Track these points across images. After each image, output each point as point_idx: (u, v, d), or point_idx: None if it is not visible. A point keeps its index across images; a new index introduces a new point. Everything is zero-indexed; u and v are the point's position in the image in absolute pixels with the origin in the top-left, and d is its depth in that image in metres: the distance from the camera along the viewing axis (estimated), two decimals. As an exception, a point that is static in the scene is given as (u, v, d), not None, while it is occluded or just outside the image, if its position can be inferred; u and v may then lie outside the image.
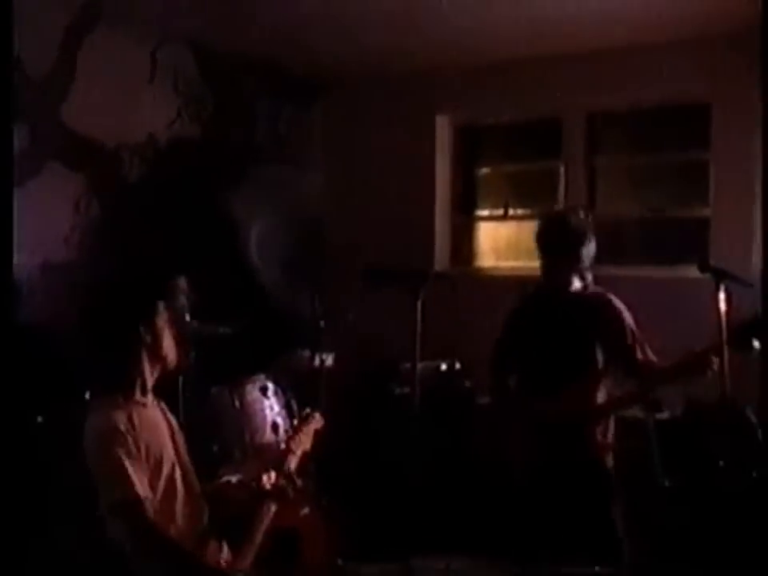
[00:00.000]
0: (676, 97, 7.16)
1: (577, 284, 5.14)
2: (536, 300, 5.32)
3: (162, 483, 3.63)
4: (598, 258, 7.16)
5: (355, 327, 6.02)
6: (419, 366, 4.60)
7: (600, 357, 5.06)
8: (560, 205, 7.78)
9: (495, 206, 8.32)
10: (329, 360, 6.00)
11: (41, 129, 6.44)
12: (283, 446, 4.28)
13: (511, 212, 8.18)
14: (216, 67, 7.74)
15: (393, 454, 5.34)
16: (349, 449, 7.07)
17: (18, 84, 6.25)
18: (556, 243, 5.10)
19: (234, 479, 5.28)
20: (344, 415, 7.13)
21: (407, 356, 4.66)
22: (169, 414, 3.89)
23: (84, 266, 6.55)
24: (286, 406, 5.76)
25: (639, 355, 5.02)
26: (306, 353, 5.92)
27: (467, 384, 7.06)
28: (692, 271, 4.89)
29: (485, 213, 8.41)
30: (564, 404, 4.97)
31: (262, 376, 5.74)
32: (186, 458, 3.85)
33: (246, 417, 5.50)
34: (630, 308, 5.11)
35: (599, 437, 5.05)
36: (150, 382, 3.74)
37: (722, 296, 4.54)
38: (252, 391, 5.62)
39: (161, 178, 7.25)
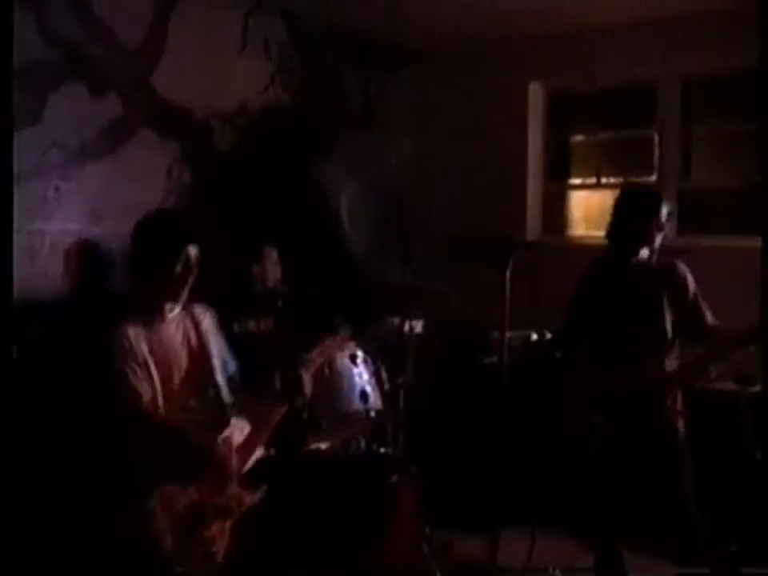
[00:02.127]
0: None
1: (644, 252, 5.18)
2: (604, 269, 5.36)
3: (172, 386, 4.30)
4: (691, 228, 7.12)
5: (445, 296, 5.97)
6: (509, 335, 4.59)
7: (669, 323, 5.12)
8: (654, 173, 7.68)
9: (588, 174, 8.23)
10: (418, 328, 5.98)
11: (132, 97, 6.49)
12: None
13: (604, 180, 8.08)
14: (306, 35, 7.73)
15: (480, 423, 5.33)
16: (437, 417, 7.08)
17: (108, 53, 6.33)
18: (628, 215, 5.20)
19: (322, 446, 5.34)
20: (432, 383, 7.15)
21: (497, 325, 4.64)
22: (196, 329, 4.52)
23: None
24: (375, 374, 5.74)
25: (708, 319, 5.09)
26: (395, 320, 5.89)
27: (557, 354, 6.99)
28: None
29: (577, 181, 8.32)
30: (639, 373, 5.02)
31: (352, 344, 5.71)
32: (202, 366, 4.45)
33: (335, 385, 5.48)
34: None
35: (670, 403, 5.08)
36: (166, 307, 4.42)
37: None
38: (341, 359, 5.60)
39: (251, 146, 7.27)
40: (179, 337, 4.49)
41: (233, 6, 7.10)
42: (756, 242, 6.68)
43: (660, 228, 5.17)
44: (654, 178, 7.71)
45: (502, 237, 4.63)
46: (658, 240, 5.18)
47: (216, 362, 4.53)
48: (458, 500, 6.16)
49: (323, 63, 7.96)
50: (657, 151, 7.75)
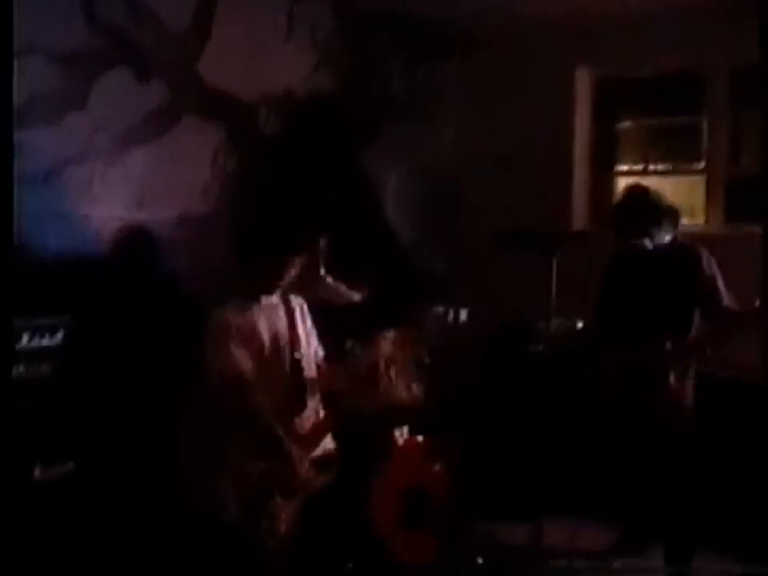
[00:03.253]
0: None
1: (666, 238, 5.43)
2: (630, 253, 5.57)
3: (267, 363, 4.59)
4: (741, 215, 7.06)
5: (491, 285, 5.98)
6: (555, 323, 4.60)
7: (685, 305, 5.37)
8: (702, 160, 7.61)
9: (635, 162, 8.16)
10: (463, 316, 5.94)
11: (178, 82, 6.49)
12: None
13: (651, 167, 8.02)
14: (353, 21, 7.70)
15: (526, 411, 5.32)
16: (482, 406, 7.06)
17: (154, 38, 6.33)
18: (633, 219, 5.45)
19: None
20: (478, 372, 7.13)
21: (543, 314, 4.63)
22: (289, 317, 4.78)
23: (222, 218, 6.61)
24: (420, 362, 5.74)
25: (724, 301, 5.31)
26: (441, 309, 5.87)
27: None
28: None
29: (624, 168, 8.25)
30: (650, 348, 5.23)
31: (396, 331, 5.71)
32: (301, 346, 4.77)
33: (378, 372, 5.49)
34: None
35: (674, 381, 5.25)
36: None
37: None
38: (385, 346, 5.60)
39: (297, 133, 7.26)
40: (274, 322, 4.73)
41: (280, -8, 7.10)
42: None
43: (656, 222, 5.39)
44: (702, 164, 7.64)
45: (548, 229, 4.64)
46: (664, 229, 5.41)
47: (305, 350, 4.81)
48: (503, 489, 6.14)
49: (370, 50, 7.93)
50: (705, 138, 7.67)
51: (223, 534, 4.39)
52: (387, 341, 5.50)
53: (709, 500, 5.56)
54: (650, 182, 7.80)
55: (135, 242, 6.06)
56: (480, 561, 5.37)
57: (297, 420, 4.62)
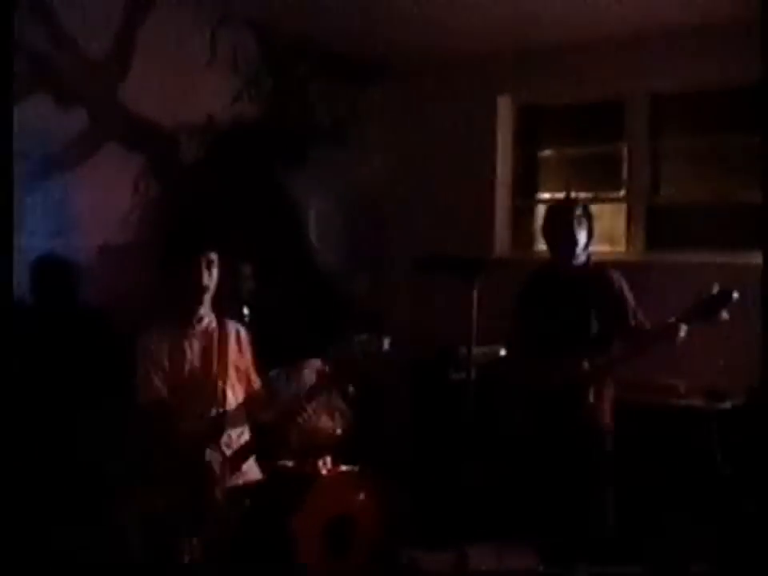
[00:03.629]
0: (740, 78, 7.01)
1: (580, 259, 5.57)
2: (543, 275, 5.75)
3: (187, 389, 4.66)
4: (661, 243, 7.16)
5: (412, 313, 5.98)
6: (478, 350, 4.61)
7: (597, 325, 5.46)
8: (623, 188, 7.69)
9: (557, 189, 8.21)
10: (386, 344, 5.94)
11: (99, 110, 6.44)
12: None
13: (573, 195, 8.07)
14: (276, 48, 7.70)
15: (449, 438, 5.32)
16: (405, 434, 7.06)
17: (74, 65, 6.28)
18: (560, 229, 5.57)
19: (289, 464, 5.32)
20: (401, 400, 7.12)
21: (465, 341, 4.64)
22: (220, 343, 4.83)
23: (142, 247, 6.56)
24: (345, 392, 5.73)
25: (632, 321, 5.47)
26: (363, 337, 5.86)
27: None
28: (756, 257, 4.80)
29: (546, 196, 8.31)
30: (563, 367, 5.32)
31: (319, 360, 5.70)
32: (227, 374, 4.80)
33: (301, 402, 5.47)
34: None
35: (592, 399, 5.33)
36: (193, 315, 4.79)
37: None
38: (309, 375, 5.59)
39: (220, 160, 7.23)
40: (200, 348, 4.81)
41: (201, 19, 7.06)
42: (727, 257, 6.73)
43: (570, 237, 5.51)
44: (622, 193, 7.72)
45: (469, 255, 4.65)
46: (580, 246, 5.53)
47: (231, 377, 4.86)
48: (427, 516, 6.13)
49: (293, 76, 7.92)
50: (625, 166, 7.75)
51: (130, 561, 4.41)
52: (311, 369, 5.51)
53: (627, 518, 5.61)
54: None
55: (55, 270, 5.98)
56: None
57: (217, 447, 4.64)
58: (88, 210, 6.26)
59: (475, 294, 4.43)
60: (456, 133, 8.05)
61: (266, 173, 7.53)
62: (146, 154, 6.76)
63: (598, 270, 5.61)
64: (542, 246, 8.08)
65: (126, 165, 6.64)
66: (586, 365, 5.32)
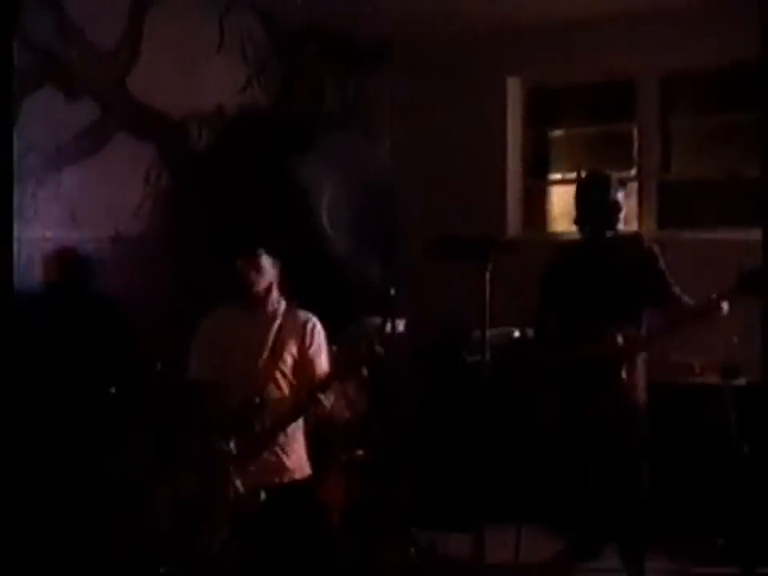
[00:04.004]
0: (751, 56, 6.99)
1: (611, 233, 5.46)
2: (568, 252, 5.70)
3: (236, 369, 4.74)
4: (673, 221, 7.13)
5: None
6: (491, 332, 4.58)
7: (633, 296, 5.34)
8: (634, 167, 7.67)
9: (568, 169, 8.21)
10: (400, 327, 5.95)
11: (109, 100, 6.45)
12: None
13: (584, 175, 8.06)
14: (283, 35, 7.70)
15: (464, 421, 5.33)
16: (420, 416, 7.06)
17: (83, 56, 6.29)
18: (594, 197, 5.47)
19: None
20: (416, 382, 7.12)
21: (478, 323, 4.62)
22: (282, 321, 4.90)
23: (155, 237, 6.57)
24: (358, 374, 5.73)
25: (668, 293, 5.32)
26: (377, 320, 5.86)
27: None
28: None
29: (557, 176, 8.30)
30: (596, 343, 5.21)
31: (333, 345, 5.71)
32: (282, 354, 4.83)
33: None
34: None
35: (625, 375, 5.23)
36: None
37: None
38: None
39: (230, 148, 7.23)
40: (260, 333, 4.88)
41: (208, 7, 7.06)
42: (738, 234, 6.70)
43: (615, 207, 5.44)
44: (633, 171, 7.70)
45: (482, 236, 4.61)
46: (618, 218, 5.47)
47: (288, 365, 4.87)
48: (444, 499, 6.14)
49: (301, 62, 7.92)
50: (636, 145, 7.73)
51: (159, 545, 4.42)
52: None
53: (661, 499, 5.58)
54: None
55: (70, 261, 6.00)
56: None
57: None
58: (100, 201, 6.27)
59: (488, 276, 4.42)
60: (466, 115, 8.03)
61: (277, 160, 7.52)
62: (157, 143, 6.77)
63: (630, 240, 5.56)
64: (555, 227, 8.18)
65: (136, 155, 6.66)
66: (619, 340, 5.22)
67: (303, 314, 5.00)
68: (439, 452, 6.70)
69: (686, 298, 5.29)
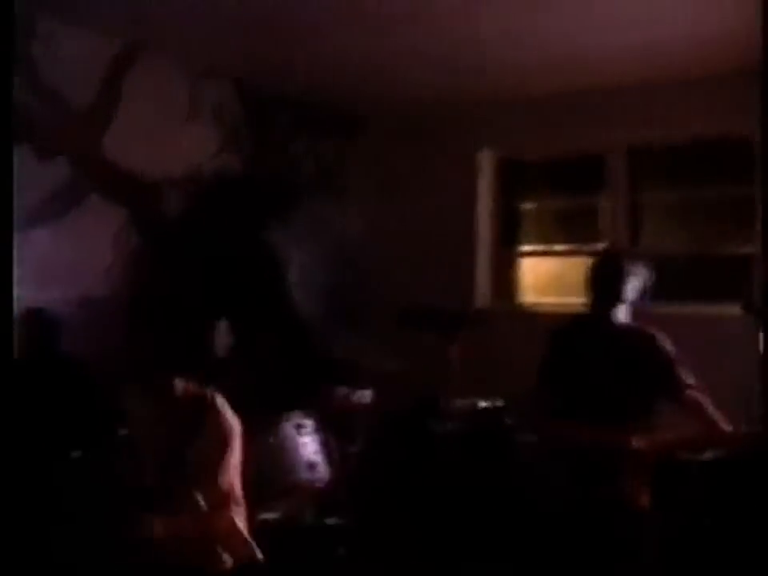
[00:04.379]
0: (719, 132, 7.09)
1: (620, 317, 5.14)
2: (580, 328, 5.30)
3: None
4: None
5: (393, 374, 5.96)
6: (459, 403, 4.58)
7: (638, 388, 5.00)
8: (603, 240, 7.72)
9: (537, 241, 8.26)
10: (366, 397, 5.95)
11: (82, 161, 6.46)
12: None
13: (554, 247, 8.12)
14: (258, 101, 7.75)
15: (431, 490, 5.31)
16: (387, 485, 7.03)
17: (57, 116, 6.30)
18: (608, 278, 5.15)
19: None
20: (382, 452, 7.10)
21: (446, 394, 4.63)
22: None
23: (123, 300, 6.55)
24: (325, 444, 5.71)
25: (681, 392, 4.94)
26: (344, 390, 5.86)
27: (508, 421, 6.97)
28: (735, 309, 4.81)
29: (527, 248, 8.35)
30: (600, 436, 4.88)
31: (299, 413, 5.70)
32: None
33: (279, 455, 5.46)
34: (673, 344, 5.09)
35: (632, 479, 4.90)
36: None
37: (761, 336, 4.44)
38: (287, 429, 5.58)
39: (202, 213, 7.24)
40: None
41: (184, 72, 7.10)
42: (708, 309, 6.76)
43: (617, 289, 5.11)
44: (602, 245, 7.75)
45: (451, 308, 4.62)
46: (625, 301, 5.14)
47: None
48: (411, 568, 6.10)
49: (275, 129, 7.96)
50: (606, 218, 7.79)
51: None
52: (291, 423, 5.49)
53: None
54: (551, 262, 7.95)
55: (37, 321, 5.98)
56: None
57: None
58: (69, 262, 6.26)
59: (455, 348, 4.42)
60: (438, 185, 8.10)
61: (248, 225, 7.55)
62: (128, 206, 6.78)
63: (642, 330, 5.16)
64: (524, 298, 8.21)
65: (108, 217, 6.65)
66: (634, 442, 4.85)
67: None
68: (406, 520, 6.68)
69: (703, 398, 4.93)
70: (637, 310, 5.19)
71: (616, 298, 5.11)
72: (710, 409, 4.89)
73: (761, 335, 4.42)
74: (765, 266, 5.51)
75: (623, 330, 5.15)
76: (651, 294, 5.24)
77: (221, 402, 4.44)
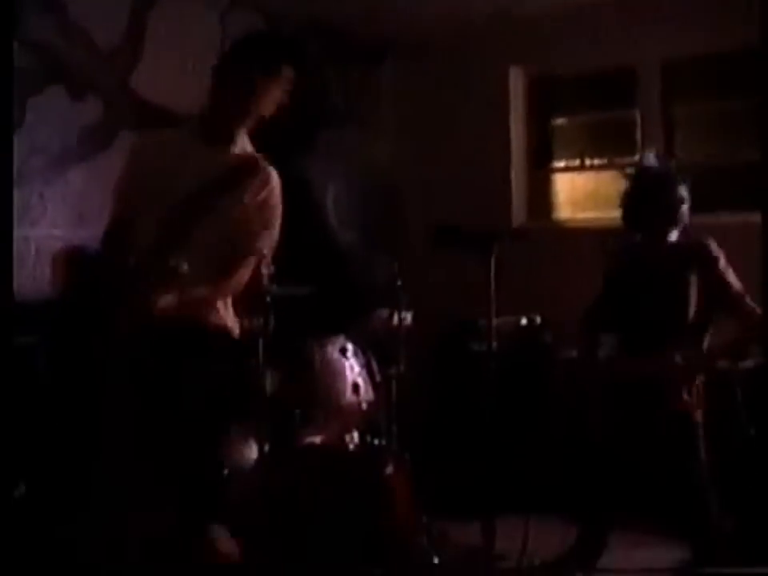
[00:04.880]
0: (754, 41, 7.00)
1: (674, 233, 5.15)
2: (633, 252, 5.32)
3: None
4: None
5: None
6: (498, 321, 4.59)
7: (699, 306, 5.05)
8: (637, 154, 7.68)
9: (571, 157, 8.23)
10: (408, 319, 5.98)
11: (112, 99, 6.48)
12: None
13: (588, 162, 8.09)
14: (285, 32, 7.71)
15: (472, 411, 5.35)
16: (430, 407, 7.10)
17: (86, 55, 6.32)
18: (655, 193, 5.12)
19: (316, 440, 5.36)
20: (425, 373, 7.16)
21: (485, 313, 4.64)
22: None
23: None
24: (367, 366, 5.77)
25: (737, 307, 5.01)
26: (385, 312, 5.89)
27: (547, 339, 7.00)
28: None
29: (561, 164, 8.32)
30: (655, 361, 4.96)
31: (342, 337, 5.75)
32: None
33: (326, 377, 5.52)
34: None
35: (685, 395, 5.00)
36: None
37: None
38: (332, 352, 5.64)
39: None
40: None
41: (209, 6, 7.09)
42: (745, 218, 6.73)
43: (682, 203, 5.13)
44: (636, 158, 7.70)
45: (486, 226, 4.62)
46: (684, 216, 5.15)
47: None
48: (454, 488, 6.16)
49: (303, 60, 7.93)
50: (639, 132, 7.75)
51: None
52: (334, 346, 5.54)
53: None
54: (587, 177, 7.93)
55: (79, 259, 6.03)
56: (435, 560, 5.38)
57: None
58: (104, 201, 6.30)
59: (493, 265, 4.43)
60: (469, 105, 8.06)
61: (281, 156, 7.54)
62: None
63: (696, 245, 5.13)
64: (559, 214, 8.20)
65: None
66: (679, 359, 4.94)
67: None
68: (449, 441, 6.74)
69: (757, 310, 4.93)
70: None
71: (666, 219, 5.11)
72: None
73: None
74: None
75: (677, 248, 5.15)
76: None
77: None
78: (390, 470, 5.27)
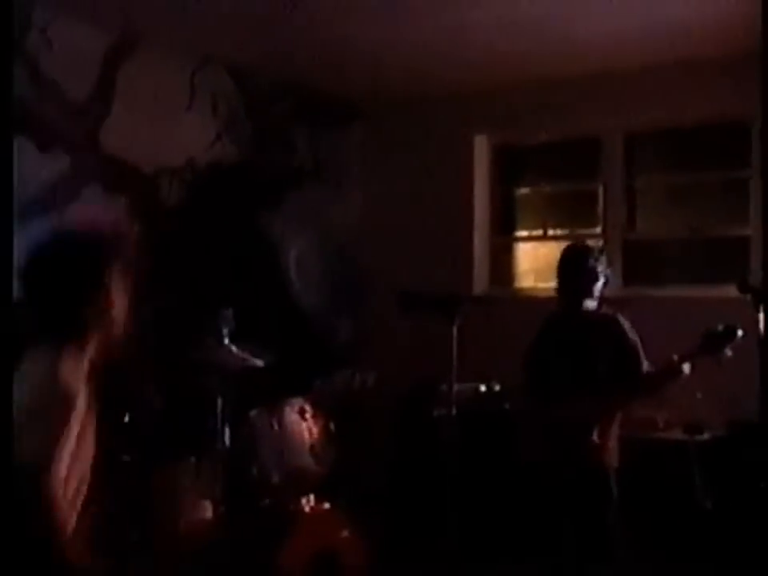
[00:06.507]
0: (715, 116, 7.12)
1: (590, 305, 5.43)
2: (554, 321, 5.59)
3: None
4: (638, 279, 7.20)
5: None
6: (457, 387, 4.61)
7: (606, 370, 5.28)
8: (599, 225, 7.76)
9: (534, 227, 8.30)
10: (370, 380, 5.99)
11: (80, 153, 6.48)
12: None
13: (550, 232, 8.15)
14: (254, 91, 7.76)
15: (430, 475, 5.35)
16: (387, 470, 7.08)
17: (56, 109, 6.32)
18: (572, 273, 5.44)
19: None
20: (383, 436, 7.16)
21: (446, 378, 4.66)
22: None
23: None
24: (325, 428, 5.76)
25: (639, 368, 5.29)
26: (346, 374, 5.90)
27: (506, 406, 7.02)
28: (732, 291, 4.85)
29: (524, 233, 8.39)
30: (571, 409, 5.19)
31: (301, 399, 5.74)
32: None
33: (284, 439, 5.50)
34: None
35: (596, 439, 5.19)
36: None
37: (761, 316, 4.52)
38: (290, 414, 5.63)
39: (200, 202, 7.26)
40: None
41: (180, 63, 7.11)
42: (702, 292, 6.80)
43: (596, 280, 5.41)
44: (598, 229, 7.78)
45: (448, 292, 4.67)
46: (597, 291, 5.42)
47: None
48: (414, 551, 6.15)
49: (271, 118, 7.98)
50: (601, 203, 7.82)
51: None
52: (292, 408, 5.53)
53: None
54: (549, 246, 7.98)
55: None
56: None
57: None
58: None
59: (455, 331, 4.46)
60: (434, 171, 8.11)
61: (247, 214, 7.57)
62: (127, 196, 6.79)
63: (606, 316, 5.48)
64: (521, 283, 8.25)
65: (106, 208, 6.66)
66: (591, 406, 5.20)
67: None
68: (409, 503, 6.73)
69: (651, 371, 5.31)
70: (604, 296, 5.39)
71: (581, 291, 5.40)
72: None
73: (760, 316, 4.49)
74: (765, 248, 5.59)
75: (589, 319, 5.44)
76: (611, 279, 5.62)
77: None
78: (345, 533, 5.26)
